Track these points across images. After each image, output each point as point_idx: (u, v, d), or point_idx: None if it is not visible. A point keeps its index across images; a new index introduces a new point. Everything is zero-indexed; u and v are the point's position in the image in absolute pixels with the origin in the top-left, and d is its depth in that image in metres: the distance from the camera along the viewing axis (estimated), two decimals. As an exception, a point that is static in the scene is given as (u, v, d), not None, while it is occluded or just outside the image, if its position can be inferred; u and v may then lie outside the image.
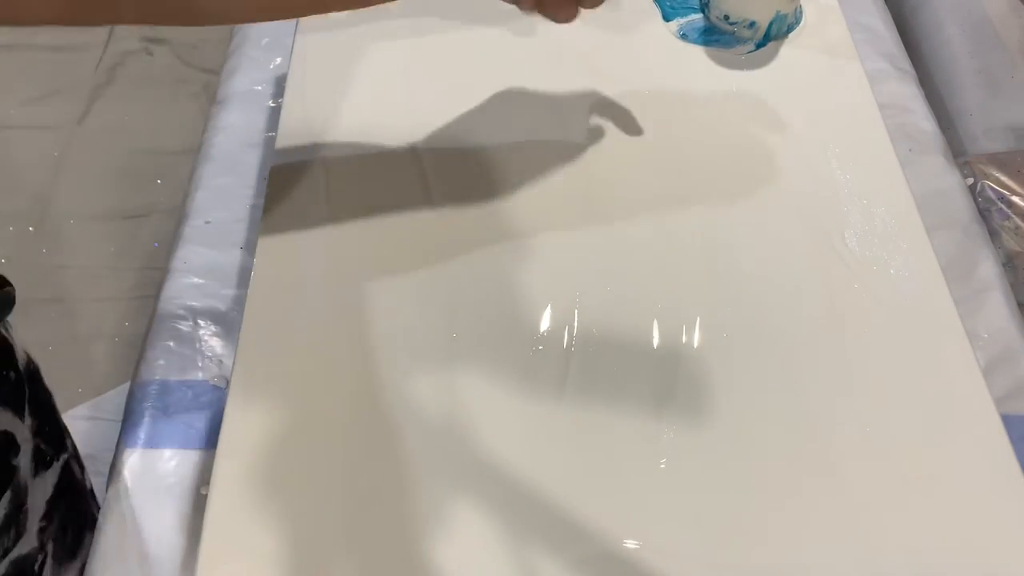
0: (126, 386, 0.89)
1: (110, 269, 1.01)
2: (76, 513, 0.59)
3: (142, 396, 0.60)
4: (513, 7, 0.43)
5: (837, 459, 0.46)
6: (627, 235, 0.55)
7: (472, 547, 0.43)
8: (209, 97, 1.12)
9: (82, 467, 0.62)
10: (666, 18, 0.69)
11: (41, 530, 0.53)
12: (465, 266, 0.53)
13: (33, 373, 0.55)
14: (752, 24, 0.66)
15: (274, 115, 0.78)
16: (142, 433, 0.58)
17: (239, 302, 0.65)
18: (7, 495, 0.48)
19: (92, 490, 0.64)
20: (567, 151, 0.59)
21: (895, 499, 0.45)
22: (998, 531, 0.44)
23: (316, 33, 0.66)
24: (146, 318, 0.66)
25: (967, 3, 0.89)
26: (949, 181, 0.74)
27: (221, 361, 0.62)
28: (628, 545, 0.43)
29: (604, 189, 0.57)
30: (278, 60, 0.83)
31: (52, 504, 0.54)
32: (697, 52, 0.66)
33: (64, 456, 0.57)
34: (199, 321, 0.64)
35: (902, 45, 0.87)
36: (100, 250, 1.03)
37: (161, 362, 0.62)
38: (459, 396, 0.48)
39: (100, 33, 1.25)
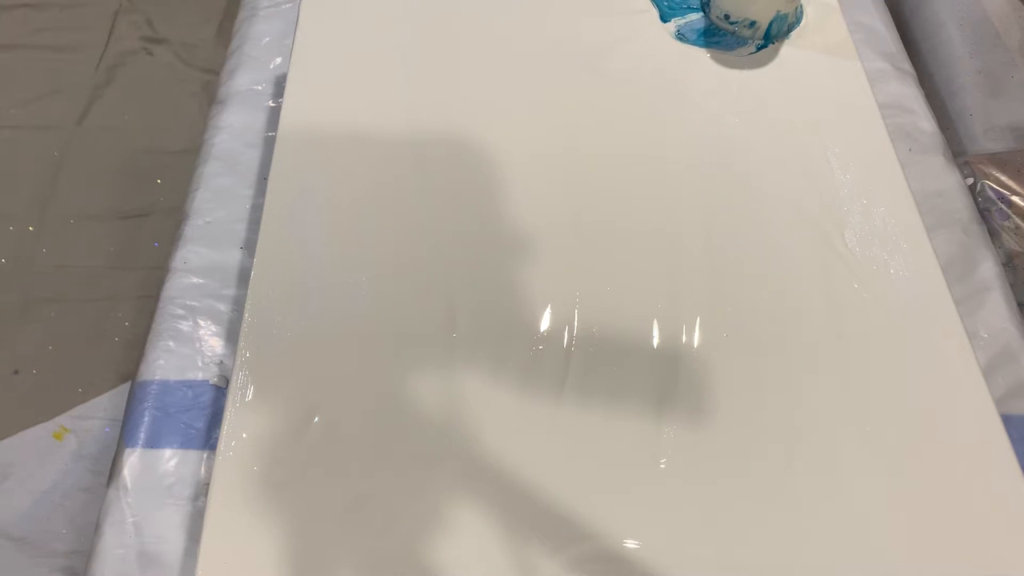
0: (126, 386, 0.89)
1: (110, 269, 1.01)
2: None
3: (142, 396, 0.60)
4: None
5: (837, 459, 0.46)
6: (627, 235, 0.55)
7: (472, 547, 0.43)
8: (209, 97, 1.12)
9: None
10: (663, 19, 0.69)
11: None
12: (465, 266, 0.53)
13: None
14: (752, 24, 0.66)
15: (274, 115, 0.78)
16: (142, 433, 0.58)
17: (239, 302, 0.65)
18: None
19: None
20: (567, 151, 0.59)
21: (895, 499, 0.45)
22: (998, 531, 0.44)
23: (316, 33, 0.66)
24: (146, 318, 0.66)
25: (967, 3, 0.89)
26: (949, 181, 0.74)
27: (221, 361, 0.62)
28: (628, 545, 0.43)
29: (604, 189, 0.57)
30: (278, 60, 0.83)
31: None
32: (697, 52, 0.66)
33: None
34: (199, 321, 0.64)
35: (902, 45, 0.87)
36: (100, 250, 1.03)
37: (161, 362, 0.62)
38: (459, 396, 0.48)
39: (100, 33, 1.25)
